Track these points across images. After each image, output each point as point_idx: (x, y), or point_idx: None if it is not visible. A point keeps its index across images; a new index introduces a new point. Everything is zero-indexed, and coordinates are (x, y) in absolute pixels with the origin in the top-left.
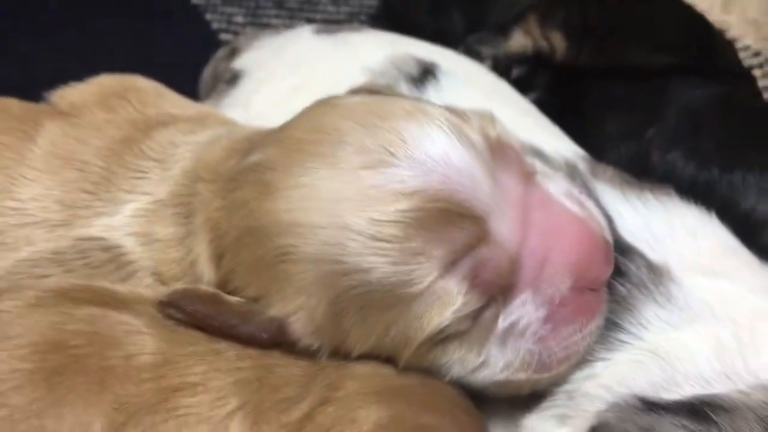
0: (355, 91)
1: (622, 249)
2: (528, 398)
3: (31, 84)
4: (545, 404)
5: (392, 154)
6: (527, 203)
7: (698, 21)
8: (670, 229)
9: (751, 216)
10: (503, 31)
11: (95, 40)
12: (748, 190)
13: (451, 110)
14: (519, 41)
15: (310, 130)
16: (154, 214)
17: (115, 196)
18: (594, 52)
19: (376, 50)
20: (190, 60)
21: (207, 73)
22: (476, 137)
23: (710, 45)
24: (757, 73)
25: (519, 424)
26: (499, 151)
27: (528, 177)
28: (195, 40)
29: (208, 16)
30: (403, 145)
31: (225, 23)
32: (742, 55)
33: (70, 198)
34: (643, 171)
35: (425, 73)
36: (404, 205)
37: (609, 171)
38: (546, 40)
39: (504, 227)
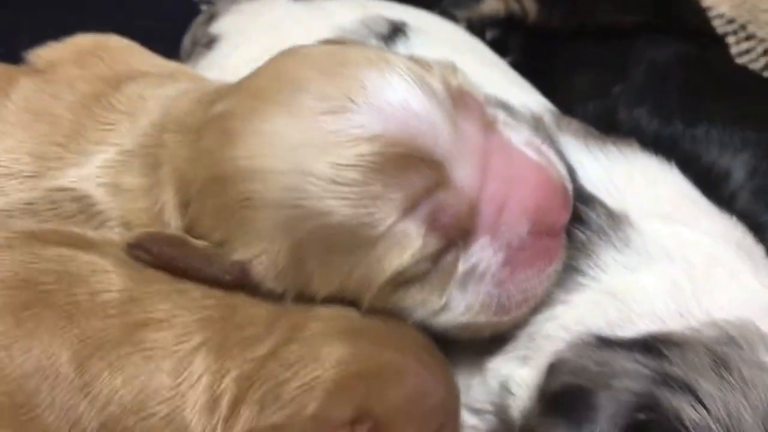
0: (322, 43)
1: (583, 198)
2: (492, 342)
3: (11, 52)
4: (508, 347)
5: (352, 100)
6: (487, 150)
7: None
8: (630, 178)
9: (713, 169)
10: None
11: (76, 9)
12: (710, 144)
13: (414, 59)
14: (491, 4)
15: (271, 79)
16: (122, 165)
17: (85, 148)
18: (564, 13)
19: (349, 13)
20: (170, 31)
21: (186, 39)
22: (437, 85)
23: (680, 6)
24: (731, 39)
25: (483, 367)
26: (460, 100)
27: (489, 125)
28: (175, 11)
29: None
30: (363, 92)
31: None
32: (716, 22)
33: (42, 150)
34: (610, 127)
35: (395, 31)
36: (364, 149)
37: (574, 123)
38: (518, 2)
39: (463, 173)
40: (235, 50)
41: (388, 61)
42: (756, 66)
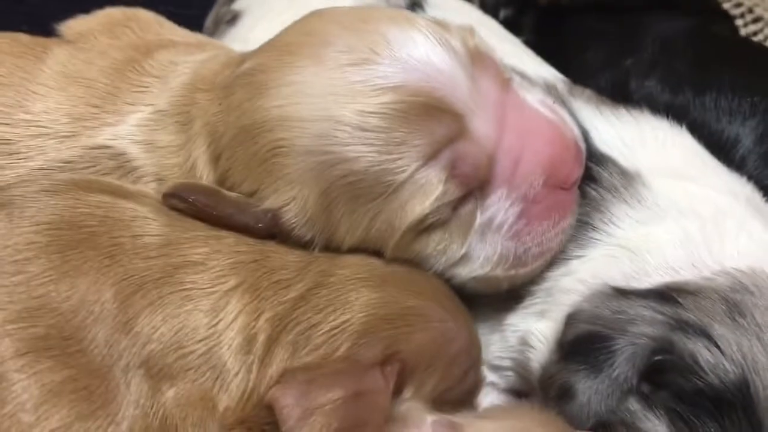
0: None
1: (596, 158)
2: (510, 299)
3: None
4: (526, 303)
5: (376, 53)
6: (504, 106)
7: None
8: (641, 139)
9: (722, 135)
10: None
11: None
12: (719, 111)
13: (434, 20)
14: None
15: (299, 35)
16: (156, 123)
17: (120, 108)
18: None
19: None
20: (192, 17)
21: (209, 20)
22: (456, 43)
23: None
24: (739, 22)
25: (503, 323)
26: (478, 59)
27: (505, 84)
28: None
29: None
30: (386, 45)
31: None
32: (725, 6)
33: (78, 111)
34: (622, 98)
35: (413, 5)
36: (388, 98)
37: (587, 92)
38: None
39: (481, 125)
40: (258, 23)
41: (410, 19)
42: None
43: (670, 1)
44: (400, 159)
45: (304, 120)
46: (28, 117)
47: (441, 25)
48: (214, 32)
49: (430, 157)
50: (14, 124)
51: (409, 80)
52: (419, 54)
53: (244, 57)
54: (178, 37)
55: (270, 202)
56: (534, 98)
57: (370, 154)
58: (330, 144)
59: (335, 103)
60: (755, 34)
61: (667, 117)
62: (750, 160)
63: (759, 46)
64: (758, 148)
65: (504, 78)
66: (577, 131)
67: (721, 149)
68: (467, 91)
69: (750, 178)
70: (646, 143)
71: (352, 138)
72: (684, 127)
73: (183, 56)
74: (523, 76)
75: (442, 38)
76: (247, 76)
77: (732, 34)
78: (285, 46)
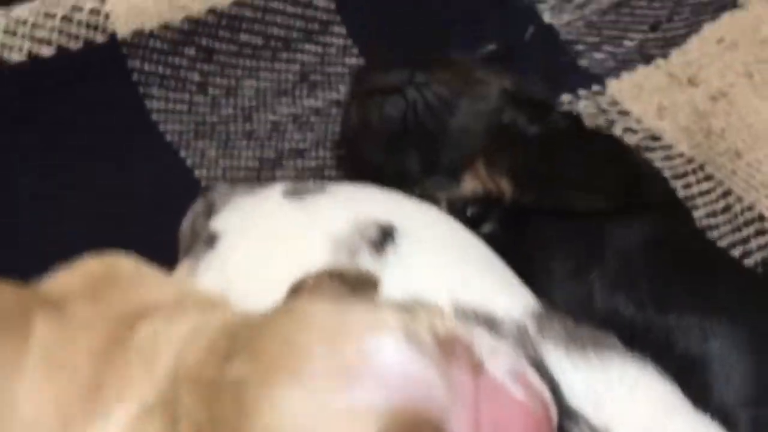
0: (319, 278)
1: (568, 414)
2: None
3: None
4: None
5: (354, 374)
6: (477, 392)
7: (632, 162)
8: (610, 389)
9: (686, 356)
10: (455, 175)
11: (76, 177)
12: (681, 331)
13: (403, 310)
14: (469, 185)
15: (280, 346)
16: (143, 419)
17: (106, 400)
18: (536, 195)
19: (341, 216)
20: (167, 198)
21: (186, 225)
22: (427, 339)
23: (643, 184)
24: (691, 179)
25: None
26: (449, 347)
27: (476, 367)
28: (171, 176)
29: (182, 153)
30: (363, 364)
31: (198, 157)
32: (676, 161)
33: (65, 405)
34: (588, 313)
35: (385, 237)
36: (371, 422)
37: (555, 326)
38: (493, 182)
39: (457, 425)
40: (233, 253)
41: (383, 326)
42: (717, 207)
43: (628, 207)
44: None
45: None
46: (14, 413)
47: (410, 314)
48: (192, 244)
49: None
50: (1, 418)
51: (389, 399)
52: (395, 367)
53: (227, 344)
54: (157, 293)
55: None
56: (505, 369)
57: None
58: None
59: (318, 429)
60: (708, 192)
61: (633, 333)
62: (716, 382)
63: (716, 251)
64: (722, 371)
65: (476, 362)
66: (548, 401)
67: (685, 371)
68: (443, 393)
69: (716, 404)
70: (614, 393)
71: None
72: (649, 362)
73: (164, 325)
74: (491, 320)
75: (413, 338)
76: (232, 389)
77: (690, 237)
78: (267, 360)
